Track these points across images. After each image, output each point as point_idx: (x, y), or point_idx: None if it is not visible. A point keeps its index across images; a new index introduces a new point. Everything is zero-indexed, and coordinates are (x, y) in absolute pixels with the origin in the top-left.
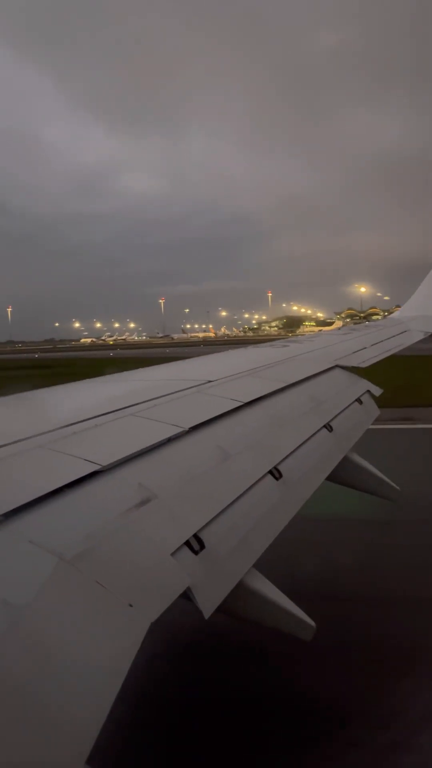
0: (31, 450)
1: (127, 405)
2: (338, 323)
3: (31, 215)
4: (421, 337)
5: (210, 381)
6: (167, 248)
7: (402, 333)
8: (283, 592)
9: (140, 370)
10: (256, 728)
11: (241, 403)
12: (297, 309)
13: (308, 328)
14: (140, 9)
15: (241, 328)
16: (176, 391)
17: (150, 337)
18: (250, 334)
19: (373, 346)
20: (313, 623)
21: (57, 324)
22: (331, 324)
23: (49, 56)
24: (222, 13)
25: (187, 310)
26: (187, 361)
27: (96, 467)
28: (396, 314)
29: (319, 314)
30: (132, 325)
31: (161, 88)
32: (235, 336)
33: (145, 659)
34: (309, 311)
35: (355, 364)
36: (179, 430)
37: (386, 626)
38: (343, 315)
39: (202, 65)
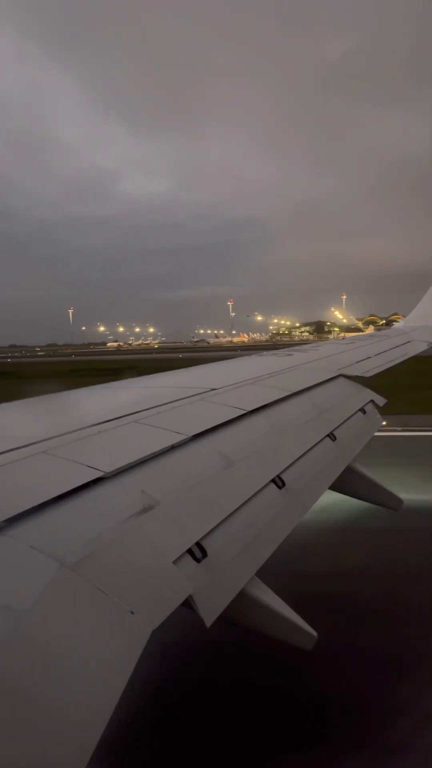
0: (35, 455)
1: (130, 412)
2: (370, 329)
3: (30, 218)
4: (424, 347)
5: (213, 389)
6: (168, 253)
7: (406, 343)
8: (284, 599)
9: (144, 377)
10: (257, 733)
11: (245, 412)
12: (336, 313)
13: (343, 333)
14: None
15: (270, 334)
16: (179, 399)
17: (176, 343)
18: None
19: (377, 355)
20: (314, 633)
21: (84, 328)
22: (360, 331)
23: (57, 53)
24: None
25: (234, 314)
26: (190, 369)
27: (99, 474)
28: (400, 324)
29: (344, 320)
30: (151, 329)
31: (169, 91)
32: (283, 340)
33: (146, 666)
34: (341, 315)
35: (359, 374)
36: (182, 437)
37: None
38: (364, 320)
39: (209, 71)
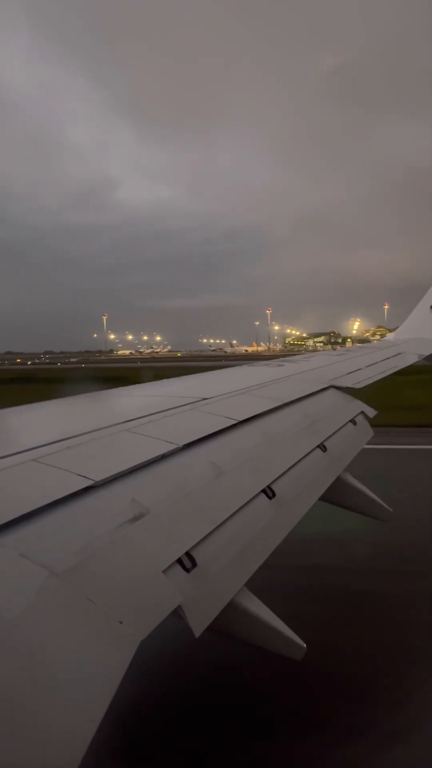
0: (25, 463)
1: (121, 421)
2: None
3: (25, 225)
4: (415, 359)
5: (205, 398)
6: (165, 261)
7: (396, 355)
8: (273, 609)
9: (135, 386)
10: (251, 735)
11: (236, 422)
12: (356, 323)
13: (356, 344)
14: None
15: (282, 343)
16: (171, 408)
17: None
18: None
19: (368, 367)
20: (303, 644)
21: (95, 335)
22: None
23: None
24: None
25: (258, 323)
26: (181, 378)
27: (89, 482)
28: (391, 336)
29: (354, 331)
30: (158, 338)
31: (171, 99)
32: (299, 350)
33: (134, 676)
34: (355, 326)
35: (349, 385)
36: (173, 446)
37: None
38: (372, 332)
39: (212, 78)
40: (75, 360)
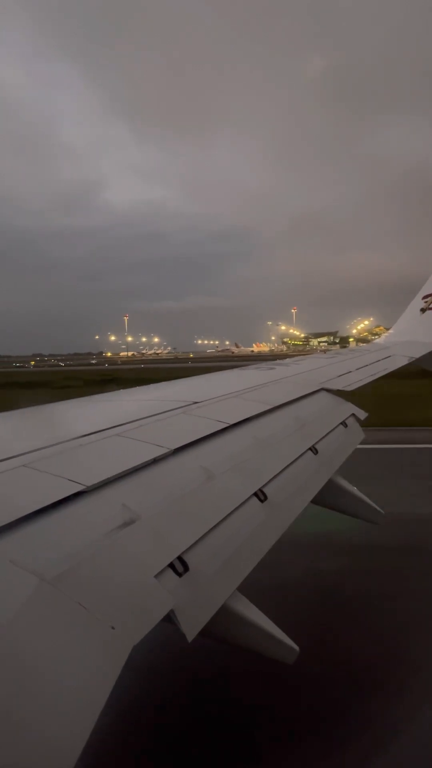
0: (15, 469)
1: (112, 425)
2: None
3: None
4: (405, 362)
5: (196, 402)
6: (154, 264)
7: (386, 358)
8: (266, 613)
9: (126, 390)
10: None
11: (227, 425)
12: (365, 323)
13: (359, 344)
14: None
15: (283, 343)
16: (162, 412)
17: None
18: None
19: (359, 370)
20: (296, 647)
21: (97, 337)
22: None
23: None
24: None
25: (270, 323)
26: (172, 382)
27: (80, 487)
28: (382, 339)
29: (354, 331)
30: (156, 339)
31: (160, 101)
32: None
33: (126, 681)
34: (361, 326)
35: (340, 388)
36: (164, 451)
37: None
38: (372, 332)
39: (203, 80)
40: (94, 362)
